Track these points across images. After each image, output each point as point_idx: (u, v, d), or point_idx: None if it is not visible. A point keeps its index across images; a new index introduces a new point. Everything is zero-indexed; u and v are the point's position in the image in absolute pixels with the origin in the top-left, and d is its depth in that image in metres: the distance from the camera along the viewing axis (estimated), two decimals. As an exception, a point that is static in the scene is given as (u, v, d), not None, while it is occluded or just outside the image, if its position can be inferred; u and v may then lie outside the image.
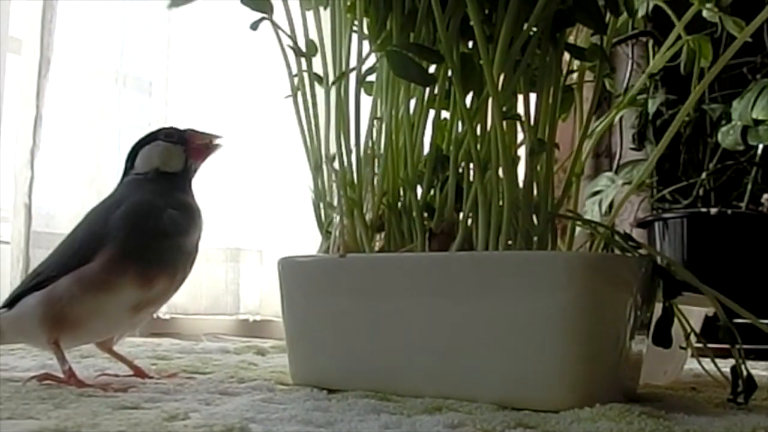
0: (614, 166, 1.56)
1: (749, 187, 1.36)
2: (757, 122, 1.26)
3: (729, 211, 1.35)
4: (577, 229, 0.59)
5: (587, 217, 1.14)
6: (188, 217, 0.60)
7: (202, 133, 0.64)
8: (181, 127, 0.64)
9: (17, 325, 0.59)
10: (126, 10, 1.19)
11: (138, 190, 0.60)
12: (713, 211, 1.35)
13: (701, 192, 1.43)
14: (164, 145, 0.62)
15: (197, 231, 0.61)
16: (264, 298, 1.37)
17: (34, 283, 0.58)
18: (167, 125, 0.66)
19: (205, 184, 1.28)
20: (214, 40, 1.30)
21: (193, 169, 0.63)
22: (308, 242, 1.42)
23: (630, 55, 1.50)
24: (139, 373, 0.62)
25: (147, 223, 0.58)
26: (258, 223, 1.37)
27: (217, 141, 0.64)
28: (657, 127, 1.44)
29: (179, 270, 0.59)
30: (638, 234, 1.40)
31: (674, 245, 1.40)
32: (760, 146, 1.33)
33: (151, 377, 0.61)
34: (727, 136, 1.31)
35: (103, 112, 1.17)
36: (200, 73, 1.30)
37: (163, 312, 1.24)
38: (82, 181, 1.14)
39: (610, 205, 1.47)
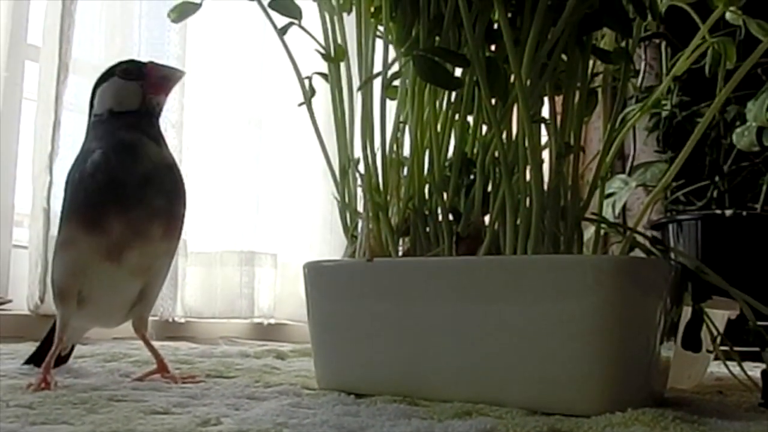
0: (627, 168, 1.56)
1: (764, 188, 1.36)
2: (772, 123, 1.25)
3: (744, 213, 1.34)
4: (589, 232, 0.59)
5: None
6: (119, 152, 0.57)
7: (163, 67, 0.61)
8: (143, 59, 0.61)
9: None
10: (143, 16, 1.20)
11: (86, 138, 0.61)
12: (728, 212, 1.35)
13: (715, 193, 1.43)
14: (119, 83, 0.59)
15: (137, 163, 0.57)
16: (278, 302, 1.37)
17: None
18: (127, 59, 0.62)
19: (220, 189, 1.30)
20: (230, 46, 1.30)
21: (155, 104, 0.60)
22: (322, 245, 1.42)
23: (643, 57, 1.50)
24: (162, 368, 0.63)
25: (74, 177, 0.59)
26: (272, 226, 1.37)
27: (178, 73, 0.60)
28: (672, 129, 1.44)
29: (130, 207, 0.57)
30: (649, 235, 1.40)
31: (689, 247, 1.39)
32: (776, 147, 1.33)
33: (168, 372, 0.62)
34: (742, 138, 1.30)
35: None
36: (215, 78, 1.30)
37: (179, 315, 1.24)
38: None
39: (623, 207, 1.47)
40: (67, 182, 0.61)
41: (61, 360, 0.68)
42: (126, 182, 0.57)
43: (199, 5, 0.63)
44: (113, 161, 0.57)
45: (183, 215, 0.61)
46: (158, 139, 0.60)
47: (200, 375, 0.66)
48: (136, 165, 0.57)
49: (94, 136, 0.60)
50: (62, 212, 0.60)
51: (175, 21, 0.63)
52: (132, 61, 0.61)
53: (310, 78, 0.64)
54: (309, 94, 0.62)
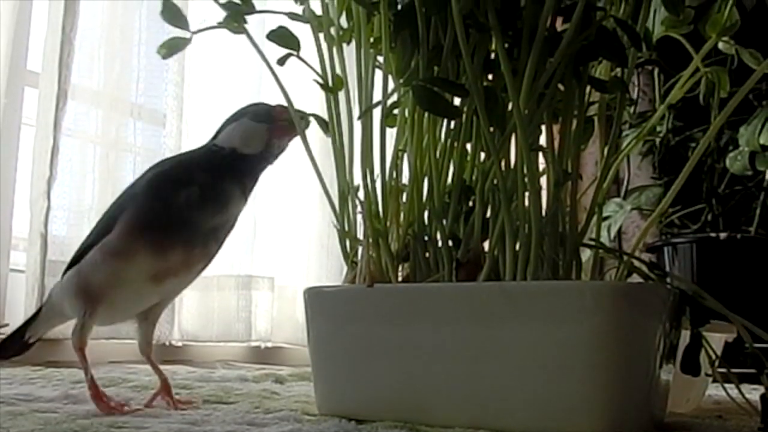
0: (622, 192, 1.57)
1: (758, 211, 1.37)
2: (765, 148, 1.27)
3: (738, 236, 1.35)
4: (585, 256, 0.60)
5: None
6: (212, 198, 0.59)
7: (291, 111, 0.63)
8: (272, 102, 0.63)
9: (64, 298, 0.62)
10: (141, 43, 1.21)
11: (197, 154, 0.62)
12: (722, 235, 1.36)
13: (710, 217, 1.44)
14: (248, 125, 0.61)
15: (223, 214, 0.60)
16: (275, 325, 1.37)
17: (76, 256, 0.61)
18: (259, 101, 0.64)
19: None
20: (228, 72, 1.32)
21: (276, 147, 0.62)
22: (319, 269, 1.42)
23: (636, 83, 1.52)
24: (166, 388, 0.63)
25: (162, 194, 0.59)
26: (269, 250, 1.38)
27: (304, 123, 0.62)
28: (665, 154, 1.46)
29: (196, 245, 0.59)
30: (646, 259, 1.41)
31: (684, 270, 1.40)
32: (768, 171, 1.34)
33: (172, 396, 0.63)
34: (735, 162, 1.32)
35: (118, 142, 1.18)
36: (213, 104, 1.31)
37: (176, 339, 1.24)
38: (97, 211, 1.15)
39: (619, 231, 1.48)
40: (150, 185, 0.59)
41: (25, 347, 0.68)
42: (203, 229, 0.59)
43: (189, 40, 0.64)
44: (205, 208, 0.59)
45: None
46: (248, 191, 0.62)
47: (197, 400, 0.66)
48: (218, 216, 0.60)
49: (205, 163, 0.60)
50: (125, 217, 0.58)
51: (164, 57, 0.64)
52: (262, 104, 0.63)
53: (305, 114, 0.64)
54: (303, 126, 0.63)
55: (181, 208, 0.58)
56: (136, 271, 0.58)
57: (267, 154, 0.62)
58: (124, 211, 0.59)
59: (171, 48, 0.64)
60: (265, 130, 0.61)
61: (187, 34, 0.63)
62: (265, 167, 0.63)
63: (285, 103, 0.63)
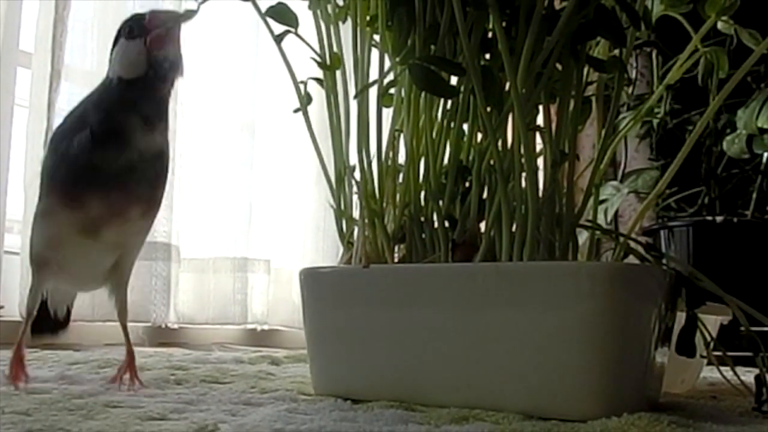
0: (619, 175, 1.57)
1: (755, 195, 1.37)
2: (762, 131, 1.27)
3: (735, 219, 1.35)
4: (582, 238, 0.60)
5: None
6: (108, 137, 0.55)
7: (164, 12, 0.56)
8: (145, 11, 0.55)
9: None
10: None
11: (86, 102, 0.58)
12: (719, 219, 1.36)
13: (707, 200, 1.44)
14: (124, 45, 0.55)
15: (128, 150, 0.55)
16: (271, 308, 1.37)
17: None
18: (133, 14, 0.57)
19: (213, 195, 1.31)
20: (224, 52, 1.31)
21: (162, 61, 0.55)
22: (315, 251, 1.42)
23: (634, 65, 1.51)
24: (130, 361, 0.61)
25: (60, 147, 0.57)
26: (265, 232, 1.38)
27: (179, 16, 0.55)
28: (663, 136, 1.45)
29: (111, 189, 0.56)
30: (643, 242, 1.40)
31: (680, 253, 1.40)
32: (766, 155, 1.34)
33: (133, 371, 0.61)
34: (733, 145, 1.32)
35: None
36: (209, 84, 1.30)
37: (171, 321, 1.24)
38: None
39: (615, 214, 1.48)
40: (52, 141, 0.59)
41: (60, 325, 0.68)
42: (108, 171, 0.55)
43: (196, 11, 0.62)
44: (99, 149, 0.55)
45: (162, 196, 0.60)
46: (153, 118, 0.56)
47: (149, 386, 0.62)
48: (121, 155, 0.55)
49: (99, 102, 0.57)
50: (44, 178, 0.59)
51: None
52: (135, 15, 0.56)
53: (305, 83, 0.64)
54: (305, 100, 0.63)
55: (77, 156, 0.55)
56: (63, 228, 0.57)
57: (155, 73, 0.55)
58: (42, 174, 0.59)
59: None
60: (141, 45, 0.54)
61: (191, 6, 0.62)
62: (162, 89, 0.56)
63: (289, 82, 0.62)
